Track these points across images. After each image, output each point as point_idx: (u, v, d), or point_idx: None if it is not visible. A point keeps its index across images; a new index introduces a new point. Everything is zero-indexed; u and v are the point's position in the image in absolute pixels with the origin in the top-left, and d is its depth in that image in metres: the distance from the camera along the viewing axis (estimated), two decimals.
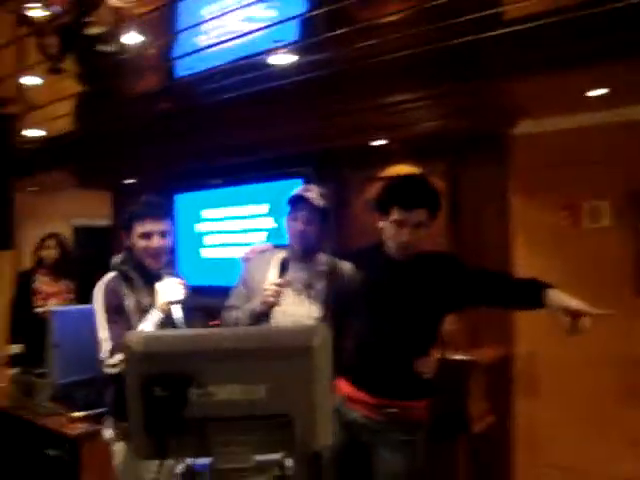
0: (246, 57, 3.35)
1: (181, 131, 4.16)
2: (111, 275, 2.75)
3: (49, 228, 5.20)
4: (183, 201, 4.74)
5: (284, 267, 2.64)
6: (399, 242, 2.50)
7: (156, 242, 2.68)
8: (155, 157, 4.52)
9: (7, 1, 4.24)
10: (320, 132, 3.55)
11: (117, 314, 2.65)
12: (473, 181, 3.39)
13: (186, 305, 2.69)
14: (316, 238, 2.78)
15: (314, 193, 2.77)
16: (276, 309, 2.66)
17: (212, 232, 4.50)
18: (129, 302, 2.67)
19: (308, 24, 3.26)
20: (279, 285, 2.58)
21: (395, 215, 2.48)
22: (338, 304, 2.71)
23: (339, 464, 2.66)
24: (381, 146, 3.52)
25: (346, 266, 2.81)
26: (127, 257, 2.77)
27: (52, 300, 4.78)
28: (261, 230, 4.09)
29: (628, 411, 4.06)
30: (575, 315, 2.10)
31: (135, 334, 1.78)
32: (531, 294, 2.21)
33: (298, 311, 2.71)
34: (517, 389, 3.40)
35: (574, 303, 2.14)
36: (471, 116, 3.12)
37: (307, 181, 3.78)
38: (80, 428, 3.22)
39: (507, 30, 2.59)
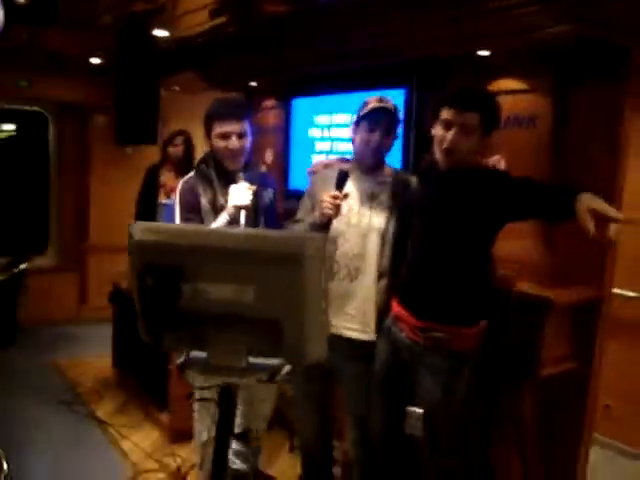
0: None
1: (299, 34, 4.09)
2: (192, 174, 2.82)
3: (190, 127, 5.38)
4: (299, 106, 4.71)
5: (343, 180, 2.58)
6: (443, 146, 2.35)
7: (234, 142, 2.67)
8: (275, 60, 4.50)
9: None
10: (426, 39, 3.32)
11: (192, 212, 2.72)
12: (585, 102, 3.01)
13: (262, 208, 2.74)
14: (388, 150, 2.74)
15: (391, 104, 2.68)
16: (340, 220, 2.62)
17: (323, 139, 4.46)
18: (205, 201, 2.72)
19: None
20: (336, 197, 2.52)
21: (444, 115, 2.34)
22: (402, 215, 2.65)
23: (383, 381, 2.65)
24: (487, 58, 3.22)
25: (411, 178, 2.76)
26: (208, 157, 2.81)
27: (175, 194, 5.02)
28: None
29: None
30: (600, 219, 1.91)
31: (138, 224, 1.79)
32: (566, 203, 2.02)
33: (361, 221, 2.69)
34: (606, 335, 3.09)
35: (600, 206, 1.93)
36: (587, 25, 2.74)
37: (409, 91, 3.60)
38: None
39: None
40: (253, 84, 5.17)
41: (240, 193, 2.61)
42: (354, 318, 2.71)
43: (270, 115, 5.20)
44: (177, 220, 2.76)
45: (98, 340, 5.37)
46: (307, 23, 3.98)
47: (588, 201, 1.97)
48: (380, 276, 2.68)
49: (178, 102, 6.68)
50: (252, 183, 2.67)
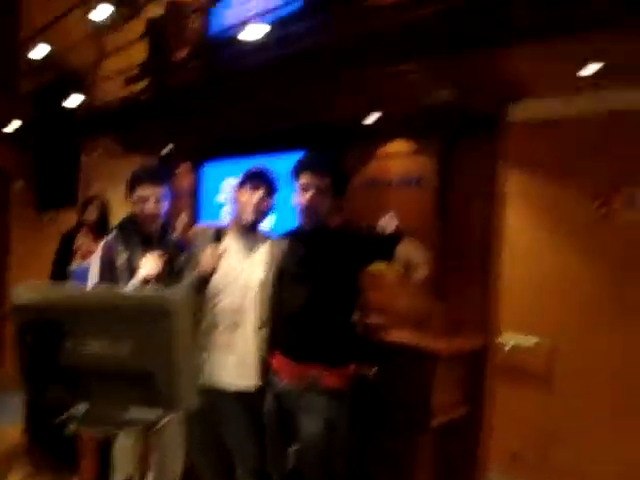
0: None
1: (208, 100, 4.27)
2: (113, 234, 2.94)
3: (110, 190, 5.44)
4: (209, 170, 4.86)
5: (220, 237, 2.78)
6: (301, 205, 2.62)
7: (151, 206, 2.81)
8: (187, 125, 4.66)
9: None
10: (320, 105, 3.54)
11: (108, 270, 2.82)
12: (465, 162, 3.27)
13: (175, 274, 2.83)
14: (266, 212, 2.90)
15: (271, 172, 2.91)
16: (221, 276, 2.78)
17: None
18: (121, 260, 2.83)
19: None
20: (214, 253, 2.70)
21: (302, 179, 2.62)
22: (277, 271, 2.81)
23: (272, 432, 2.75)
24: (378, 123, 3.46)
25: (284, 238, 2.90)
26: (128, 219, 2.95)
27: (90, 258, 5.03)
28: None
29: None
30: (409, 265, 2.19)
31: (19, 286, 1.88)
32: (391, 249, 2.32)
33: (241, 277, 2.82)
34: (496, 380, 3.27)
35: (410, 255, 2.23)
36: (466, 90, 3.01)
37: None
38: None
39: None
40: (167, 149, 5.30)
41: (150, 263, 2.73)
42: (236, 368, 2.80)
43: (184, 179, 5.33)
44: (93, 278, 2.83)
45: (14, 408, 5.24)
46: (214, 90, 4.16)
47: (403, 249, 2.25)
48: (261, 326, 2.80)
49: (98, 167, 6.74)
50: (165, 251, 2.81)
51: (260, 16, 3.33)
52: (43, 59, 4.93)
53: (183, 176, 5.36)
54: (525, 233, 4.34)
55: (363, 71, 3.14)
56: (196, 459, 3.07)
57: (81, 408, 1.96)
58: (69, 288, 2.00)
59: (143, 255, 2.80)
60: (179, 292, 1.83)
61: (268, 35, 3.26)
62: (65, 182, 6.68)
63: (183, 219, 5.31)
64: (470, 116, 3.23)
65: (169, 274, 2.81)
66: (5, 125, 6.32)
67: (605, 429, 3.96)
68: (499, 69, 2.95)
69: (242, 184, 2.85)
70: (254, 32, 3.12)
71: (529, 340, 4.37)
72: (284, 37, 3.26)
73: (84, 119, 5.61)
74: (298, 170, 2.64)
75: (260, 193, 2.81)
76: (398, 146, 3.48)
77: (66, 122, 6.03)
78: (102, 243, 2.93)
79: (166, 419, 1.99)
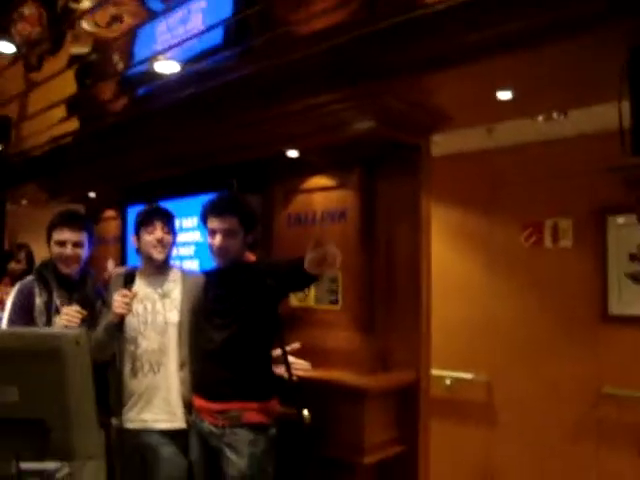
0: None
1: (130, 140, 4.19)
2: (30, 277, 2.92)
3: (37, 239, 5.25)
4: (133, 214, 4.72)
5: (131, 278, 2.77)
6: (213, 247, 2.67)
7: (69, 250, 2.80)
8: (107, 169, 4.57)
9: None
10: (238, 143, 3.50)
11: (21, 313, 2.79)
12: (388, 194, 3.24)
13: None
14: (171, 248, 2.94)
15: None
16: (137, 319, 2.79)
17: None
18: (39, 301, 2.81)
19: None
20: (125, 295, 2.66)
21: (210, 224, 2.69)
22: (193, 310, 2.81)
23: (198, 471, 2.72)
24: (300, 158, 3.42)
25: (198, 276, 2.93)
26: (47, 262, 2.93)
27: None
28: (190, 244, 4.04)
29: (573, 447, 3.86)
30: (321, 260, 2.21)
31: None
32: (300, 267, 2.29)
33: (157, 318, 2.82)
34: (433, 416, 3.20)
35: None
36: (388, 120, 3.00)
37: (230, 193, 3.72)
38: None
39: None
40: (92, 195, 5.17)
41: (68, 315, 2.68)
42: (161, 409, 2.78)
43: (111, 225, 5.19)
44: (4, 320, 2.82)
45: None
46: (135, 130, 4.10)
47: (308, 256, 2.21)
48: (182, 365, 2.78)
49: (25, 215, 6.56)
50: (83, 298, 2.83)
51: (178, 50, 3.29)
52: None
53: (109, 221, 5.22)
54: (452, 265, 4.37)
55: (284, 104, 3.12)
56: None
57: None
58: None
59: (60, 297, 2.81)
60: (72, 331, 1.69)
61: (185, 71, 3.22)
62: None
63: (111, 266, 5.15)
64: (392, 146, 3.22)
65: (88, 323, 2.76)
66: None
67: (548, 456, 3.94)
68: (421, 97, 2.96)
69: (138, 227, 2.89)
70: (168, 67, 3.06)
71: (467, 375, 4.36)
72: (202, 72, 3.21)
73: (11, 167, 5.44)
74: (204, 215, 2.71)
75: (158, 230, 2.84)
76: (321, 180, 3.43)
77: None
78: (16, 287, 2.91)
79: (64, 472, 1.82)
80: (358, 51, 2.73)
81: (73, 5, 4.33)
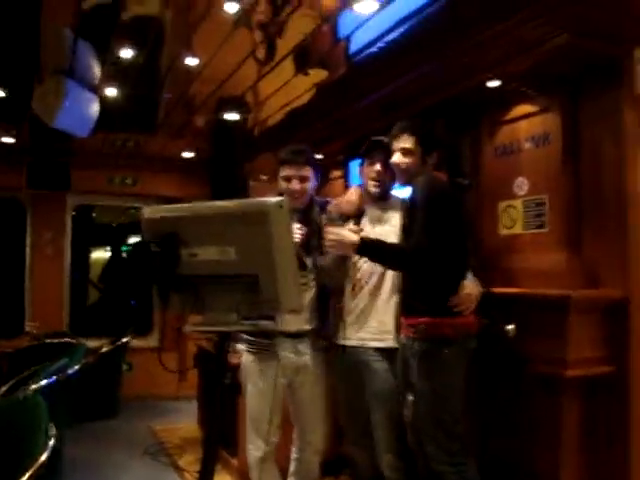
0: None
1: (346, 100, 4.53)
2: None
3: None
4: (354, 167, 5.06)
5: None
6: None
7: (294, 185, 3.06)
8: (333, 130, 4.96)
9: None
10: (442, 80, 3.60)
11: None
12: (591, 113, 3.14)
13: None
14: (390, 181, 3.07)
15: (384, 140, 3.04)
16: None
17: None
18: None
19: None
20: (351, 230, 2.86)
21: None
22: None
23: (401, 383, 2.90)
24: (502, 88, 3.44)
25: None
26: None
27: None
28: None
29: None
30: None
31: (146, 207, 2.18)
32: None
33: None
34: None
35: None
36: (584, 32, 2.90)
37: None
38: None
39: None
40: (320, 157, 5.58)
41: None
42: (376, 329, 2.97)
43: (338, 184, 5.53)
44: None
45: (192, 411, 5.69)
46: (350, 88, 4.37)
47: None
48: (397, 290, 2.95)
49: (268, 190, 7.21)
50: (307, 224, 3.02)
51: None
52: None
53: (336, 181, 5.60)
54: None
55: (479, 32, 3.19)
56: (344, 420, 3.20)
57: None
58: (182, 205, 2.22)
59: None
60: (277, 198, 1.98)
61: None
62: None
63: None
64: (592, 63, 3.13)
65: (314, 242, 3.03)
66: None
67: None
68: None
69: (362, 162, 3.10)
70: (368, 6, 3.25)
71: None
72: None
73: (248, 139, 6.08)
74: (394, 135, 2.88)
75: (377, 166, 3.00)
76: (524, 108, 3.45)
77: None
78: None
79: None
80: None
81: None
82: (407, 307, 2.83)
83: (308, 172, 3.08)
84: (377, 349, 2.96)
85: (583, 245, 3.19)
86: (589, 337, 2.96)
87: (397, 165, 2.83)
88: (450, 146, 3.71)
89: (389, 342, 2.95)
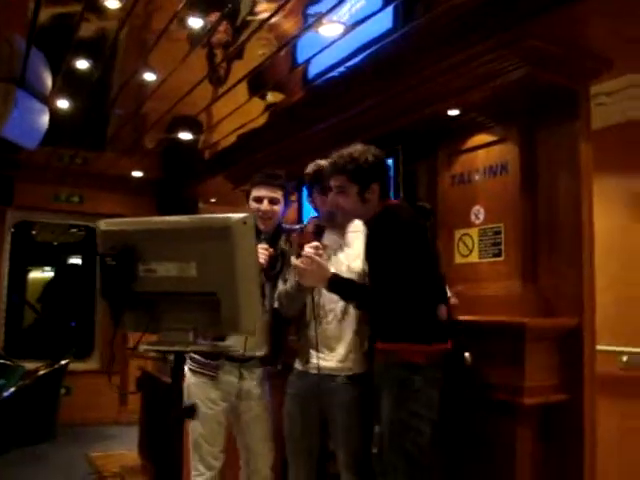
0: None
1: (301, 125, 4.53)
2: None
3: None
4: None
5: (319, 232, 2.85)
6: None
7: (265, 205, 3.02)
8: (287, 152, 4.93)
9: None
10: (401, 107, 3.64)
11: None
12: (547, 144, 3.21)
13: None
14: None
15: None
16: None
17: None
18: None
19: None
20: (317, 248, 2.73)
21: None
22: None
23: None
24: (460, 117, 3.49)
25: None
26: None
27: None
28: None
29: None
30: None
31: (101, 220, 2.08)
32: None
33: (340, 268, 2.83)
34: (593, 366, 3.08)
35: None
36: (542, 65, 2.98)
37: (396, 160, 3.87)
38: None
39: None
40: None
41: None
42: (345, 356, 2.85)
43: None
44: None
45: (132, 438, 5.49)
46: (306, 112, 4.36)
47: None
48: (364, 314, 2.84)
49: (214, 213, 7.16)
50: (271, 244, 2.98)
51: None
52: None
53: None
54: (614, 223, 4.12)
55: (439, 61, 3.25)
56: (290, 457, 3.02)
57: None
58: (141, 219, 2.13)
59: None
60: (241, 214, 1.92)
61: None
62: None
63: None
64: (549, 95, 3.20)
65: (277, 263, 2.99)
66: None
67: None
68: (574, 34, 2.92)
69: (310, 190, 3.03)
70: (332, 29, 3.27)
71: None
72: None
73: (198, 161, 6.00)
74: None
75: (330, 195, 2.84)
76: (482, 137, 3.50)
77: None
78: None
79: None
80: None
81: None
82: (381, 333, 2.74)
83: (280, 195, 3.06)
84: (346, 377, 2.84)
85: (539, 273, 3.22)
86: (544, 365, 2.96)
87: (335, 205, 2.76)
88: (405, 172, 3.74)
89: (356, 369, 2.84)
